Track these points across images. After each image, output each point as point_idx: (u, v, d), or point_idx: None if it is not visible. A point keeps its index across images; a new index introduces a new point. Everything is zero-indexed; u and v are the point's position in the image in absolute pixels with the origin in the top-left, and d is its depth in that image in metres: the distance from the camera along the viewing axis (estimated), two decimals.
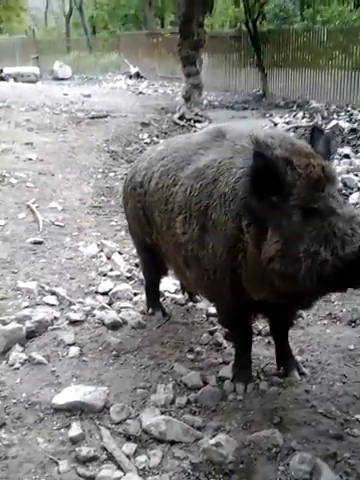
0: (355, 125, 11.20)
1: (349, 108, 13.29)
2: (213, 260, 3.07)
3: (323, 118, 12.43)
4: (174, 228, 3.36)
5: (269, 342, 3.87)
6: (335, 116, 12.58)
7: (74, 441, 2.80)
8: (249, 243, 2.83)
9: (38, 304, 4.32)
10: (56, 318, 4.10)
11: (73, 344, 3.74)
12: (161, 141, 8.25)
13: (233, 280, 3.01)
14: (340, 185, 7.22)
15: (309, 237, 2.56)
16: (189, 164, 3.33)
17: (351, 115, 12.43)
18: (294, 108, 14.82)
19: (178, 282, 4.58)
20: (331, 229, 2.53)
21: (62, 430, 2.89)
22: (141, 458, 2.72)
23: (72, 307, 4.30)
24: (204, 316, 4.28)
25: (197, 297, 4.41)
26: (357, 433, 2.85)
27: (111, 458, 2.71)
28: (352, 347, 3.76)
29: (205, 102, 15.65)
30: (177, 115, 13.42)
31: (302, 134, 10.94)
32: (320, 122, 11.87)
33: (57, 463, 2.65)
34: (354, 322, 4.18)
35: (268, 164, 2.61)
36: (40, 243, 5.62)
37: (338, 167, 8.05)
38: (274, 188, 2.63)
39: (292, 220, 2.61)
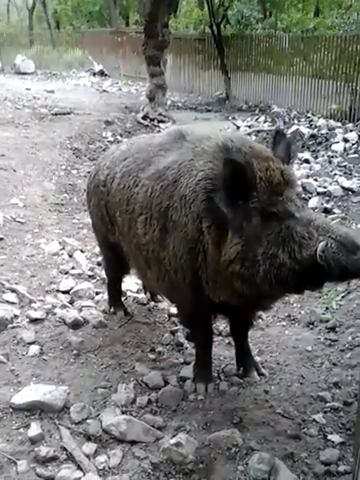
0: (315, 131, 11.41)
1: (309, 114, 13.52)
2: (174, 261, 3.08)
3: (284, 123, 12.62)
4: (135, 229, 3.37)
5: (229, 343, 3.92)
6: (296, 121, 12.79)
7: (33, 441, 2.77)
8: (209, 245, 2.86)
9: None
10: (16, 316, 4.04)
11: (33, 343, 3.70)
12: (125, 140, 8.23)
13: (193, 281, 3.04)
14: (300, 189, 7.37)
15: (268, 240, 2.61)
16: (150, 165, 3.35)
17: (311, 121, 12.65)
18: (256, 112, 14.97)
19: (140, 281, 4.58)
20: (289, 232, 2.59)
21: (21, 430, 2.86)
22: (101, 458, 2.71)
23: (32, 305, 4.24)
24: (166, 316, 4.30)
25: (159, 297, 4.43)
26: (314, 433, 2.92)
27: (71, 458, 2.70)
28: (310, 348, 3.85)
29: (169, 102, 15.67)
30: (141, 115, 13.39)
31: (264, 138, 11.09)
32: (282, 127, 12.04)
33: (16, 463, 2.62)
34: (312, 324, 4.27)
35: (238, 170, 2.64)
36: (0, 239, 5.52)
37: (298, 172, 8.19)
38: (241, 192, 2.67)
39: (252, 223, 2.66)
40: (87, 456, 2.71)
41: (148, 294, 4.56)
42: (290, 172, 2.79)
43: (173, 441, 2.72)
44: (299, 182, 7.52)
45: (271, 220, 2.63)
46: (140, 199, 3.32)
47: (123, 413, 3.02)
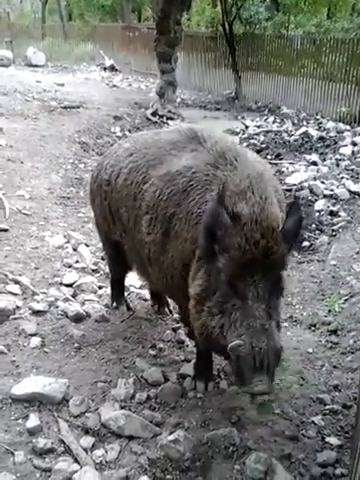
0: (323, 133, 11.38)
1: (319, 116, 13.52)
2: (171, 268, 3.05)
3: (293, 124, 12.60)
4: (140, 225, 3.33)
5: None
6: (305, 123, 12.77)
7: (31, 432, 2.78)
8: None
9: (0, 292, 4.24)
10: (18, 307, 4.04)
11: (35, 334, 3.71)
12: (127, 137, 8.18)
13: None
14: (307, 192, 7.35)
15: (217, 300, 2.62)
16: (162, 163, 3.24)
17: (320, 123, 12.63)
18: (265, 112, 14.97)
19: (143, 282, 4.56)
20: (230, 310, 2.53)
21: (20, 421, 2.86)
22: (98, 452, 2.72)
23: (35, 297, 4.25)
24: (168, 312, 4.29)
25: (166, 310, 4.34)
26: (312, 435, 2.92)
27: (68, 451, 2.70)
28: (311, 350, 3.85)
29: (178, 100, 15.67)
30: (150, 111, 13.39)
31: (272, 138, 11.07)
32: (290, 128, 12.02)
33: (13, 454, 2.63)
34: (314, 326, 4.27)
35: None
36: (5, 231, 5.51)
37: (305, 173, 8.16)
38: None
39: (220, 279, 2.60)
40: (85, 449, 2.71)
41: (156, 306, 4.41)
42: (268, 244, 2.47)
43: (171, 438, 2.73)
44: (306, 184, 7.52)
45: (231, 287, 2.54)
46: (148, 198, 3.25)
47: (122, 408, 3.03)
